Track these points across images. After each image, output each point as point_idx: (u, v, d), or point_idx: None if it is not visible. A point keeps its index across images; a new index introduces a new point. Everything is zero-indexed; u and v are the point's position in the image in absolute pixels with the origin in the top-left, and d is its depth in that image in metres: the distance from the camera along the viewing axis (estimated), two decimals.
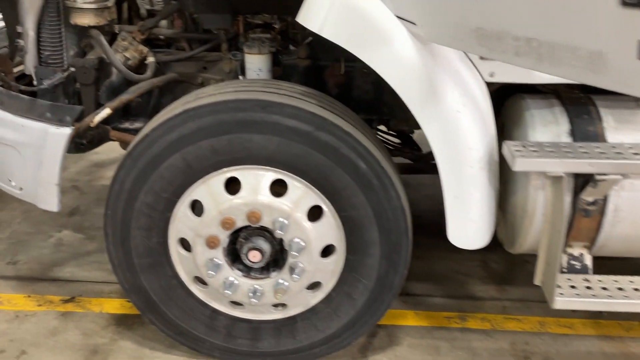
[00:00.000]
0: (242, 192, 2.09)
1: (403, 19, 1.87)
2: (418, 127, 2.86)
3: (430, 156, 3.23)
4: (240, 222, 2.10)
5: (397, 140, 3.27)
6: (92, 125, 2.44)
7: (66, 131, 2.15)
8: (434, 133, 1.95)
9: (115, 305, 2.76)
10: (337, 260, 2.17)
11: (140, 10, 2.75)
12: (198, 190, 2.10)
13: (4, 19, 2.59)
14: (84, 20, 2.48)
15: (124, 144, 2.75)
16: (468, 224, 2.04)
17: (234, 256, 2.21)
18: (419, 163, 3.12)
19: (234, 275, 2.19)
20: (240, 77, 2.68)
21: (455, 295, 2.87)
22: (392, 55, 1.86)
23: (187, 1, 2.29)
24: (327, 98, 2.18)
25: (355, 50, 1.87)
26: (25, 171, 2.19)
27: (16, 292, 2.84)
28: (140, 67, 2.65)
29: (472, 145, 1.96)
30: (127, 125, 2.73)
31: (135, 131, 2.75)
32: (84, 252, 3.20)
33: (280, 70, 2.67)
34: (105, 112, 2.47)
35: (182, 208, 2.13)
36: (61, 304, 2.76)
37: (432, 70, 1.90)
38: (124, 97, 2.50)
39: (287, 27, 2.79)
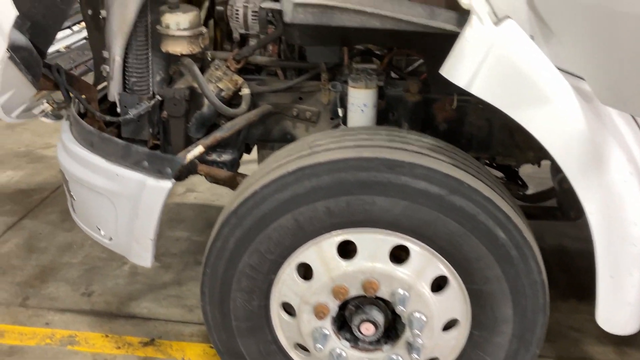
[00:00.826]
0: (358, 258, 1.85)
1: (566, 72, 1.58)
2: (526, 162, 2.62)
3: (538, 198, 2.94)
4: (354, 292, 1.86)
5: (500, 174, 2.97)
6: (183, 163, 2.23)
7: (166, 185, 1.93)
8: (593, 205, 1.66)
9: (198, 352, 2.57)
10: (459, 336, 1.91)
11: (232, 34, 2.51)
12: (307, 253, 1.87)
13: (90, 43, 2.39)
14: (177, 48, 2.26)
15: (211, 177, 2.54)
16: (623, 308, 1.76)
17: (341, 322, 1.98)
18: (529, 208, 2.81)
19: (341, 346, 1.95)
20: (339, 110, 2.43)
21: (569, 357, 2.57)
22: (553, 117, 1.57)
23: (292, 33, 2.04)
24: (459, 153, 1.91)
25: (509, 110, 1.59)
26: (117, 222, 1.99)
27: (93, 330, 2.68)
28: (232, 97, 2.43)
29: (637, 220, 1.66)
30: (214, 157, 2.50)
31: (224, 164, 2.54)
32: (160, 283, 3.03)
33: (383, 103, 2.41)
34: (198, 150, 2.25)
35: (288, 270, 1.90)
36: (140, 347, 2.59)
37: (598, 134, 1.60)
38: (218, 135, 2.27)
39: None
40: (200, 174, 2.48)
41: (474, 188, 1.74)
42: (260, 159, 2.69)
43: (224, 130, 2.29)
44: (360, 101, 2.30)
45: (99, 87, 2.58)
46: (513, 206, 1.84)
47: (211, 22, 2.63)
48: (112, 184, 1.98)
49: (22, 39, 1.91)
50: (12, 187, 4.01)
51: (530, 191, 2.97)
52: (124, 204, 1.96)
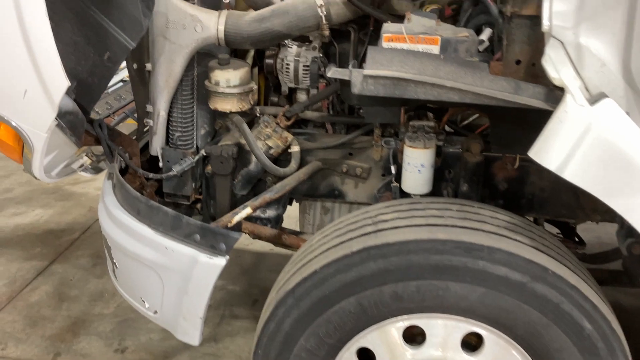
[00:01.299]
0: (426, 346, 1.70)
1: None
2: (586, 220, 2.46)
3: (601, 259, 2.76)
4: None
5: (556, 230, 2.81)
6: (229, 225, 2.11)
7: (220, 262, 1.79)
8: None
9: None
10: None
11: (280, 87, 2.40)
12: (370, 338, 1.72)
13: (134, 96, 2.29)
14: (226, 106, 2.15)
15: (254, 235, 2.42)
16: None
17: None
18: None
19: None
20: (392, 167, 2.29)
21: None
22: None
23: (349, 94, 1.91)
24: (536, 231, 1.76)
25: (604, 197, 1.44)
26: (164, 297, 1.86)
27: None
28: (280, 154, 2.31)
29: None
30: (258, 213, 2.39)
31: (267, 220, 2.42)
32: None
33: (439, 161, 2.27)
34: (246, 212, 2.13)
35: (347, 355, 1.76)
36: None
37: None
38: (268, 197, 2.15)
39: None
40: (244, 232, 2.36)
41: (559, 275, 1.58)
42: (302, 210, 2.57)
43: (273, 191, 2.16)
44: (418, 161, 2.16)
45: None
46: (598, 292, 1.68)
47: (255, 70, 2.52)
48: (161, 257, 1.84)
49: (68, 104, 1.80)
50: (42, 227, 3.91)
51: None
52: (173, 278, 1.83)
